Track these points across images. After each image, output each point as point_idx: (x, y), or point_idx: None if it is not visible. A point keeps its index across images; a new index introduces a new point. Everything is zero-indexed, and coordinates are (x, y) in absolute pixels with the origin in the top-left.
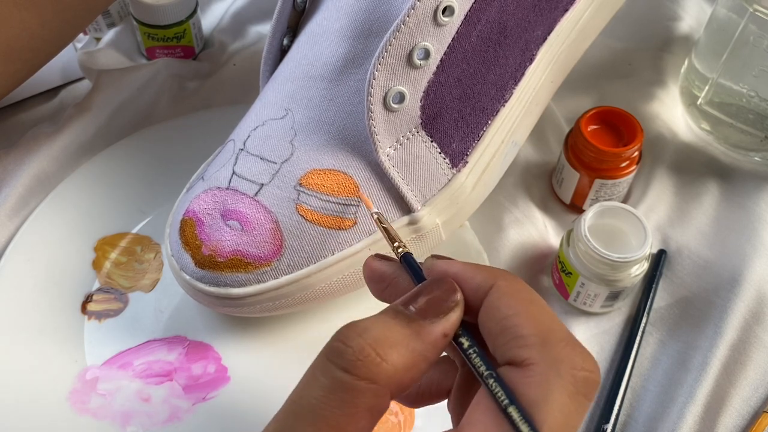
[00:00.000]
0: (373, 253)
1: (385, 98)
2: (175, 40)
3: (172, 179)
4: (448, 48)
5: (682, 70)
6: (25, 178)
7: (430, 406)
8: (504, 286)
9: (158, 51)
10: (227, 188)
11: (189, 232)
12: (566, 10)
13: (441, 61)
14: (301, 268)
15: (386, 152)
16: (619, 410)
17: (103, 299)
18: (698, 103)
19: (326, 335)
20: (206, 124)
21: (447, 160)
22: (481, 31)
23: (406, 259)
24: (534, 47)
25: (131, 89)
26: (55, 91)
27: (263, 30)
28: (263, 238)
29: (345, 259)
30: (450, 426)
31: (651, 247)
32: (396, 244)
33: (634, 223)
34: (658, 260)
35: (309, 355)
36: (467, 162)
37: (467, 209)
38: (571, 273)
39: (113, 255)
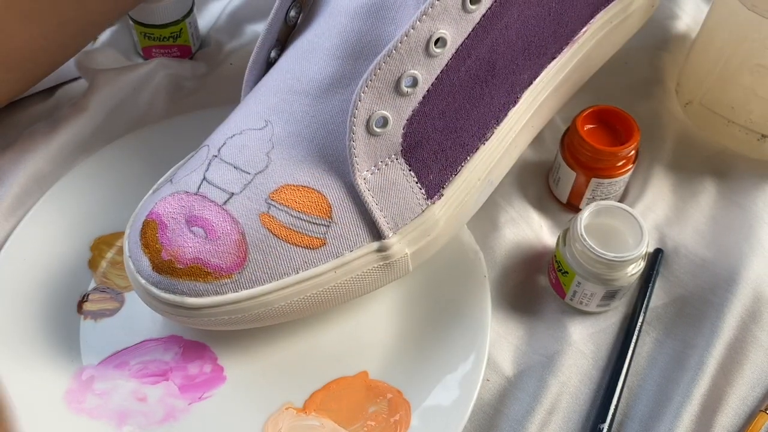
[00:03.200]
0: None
1: (368, 121)
2: (171, 40)
3: None
4: (436, 79)
5: (680, 69)
6: (21, 178)
7: (428, 405)
8: None
9: (155, 50)
10: (196, 194)
11: (150, 235)
12: (553, 58)
13: (428, 91)
14: (263, 284)
15: (363, 175)
16: (615, 409)
17: (99, 299)
18: (696, 102)
19: (322, 336)
20: (203, 123)
21: (423, 191)
22: (470, 66)
23: None
24: (519, 90)
25: (128, 89)
26: (51, 90)
27: (260, 29)
28: (227, 248)
29: (309, 279)
30: (447, 427)
31: (648, 246)
32: None
33: (631, 222)
34: (655, 259)
35: (305, 356)
36: (443, 195)
37: (437, 243)
38: (567, 272)
39: (110, 254)
